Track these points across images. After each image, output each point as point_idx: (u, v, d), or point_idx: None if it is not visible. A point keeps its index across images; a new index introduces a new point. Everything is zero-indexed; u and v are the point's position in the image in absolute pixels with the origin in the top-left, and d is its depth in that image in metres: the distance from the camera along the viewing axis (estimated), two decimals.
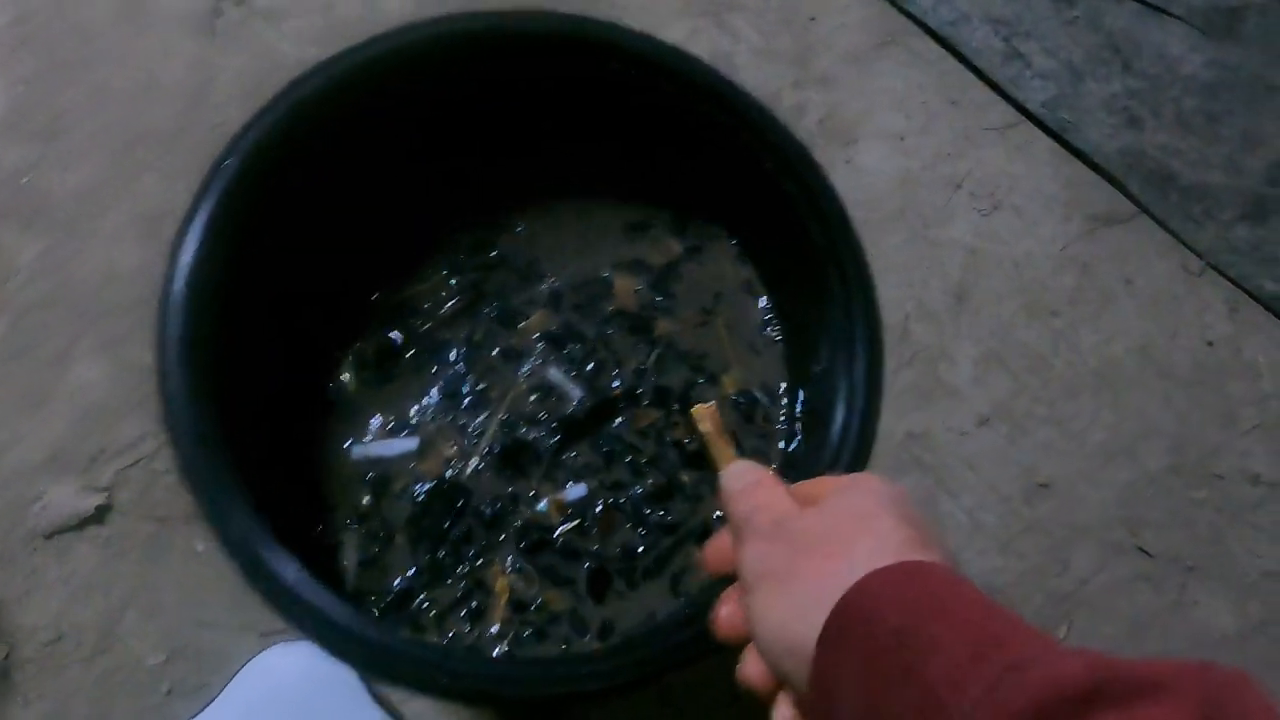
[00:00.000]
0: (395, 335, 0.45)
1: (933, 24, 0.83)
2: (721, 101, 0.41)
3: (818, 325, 0.44)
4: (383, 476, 0.44)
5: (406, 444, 0.45)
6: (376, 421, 0.45)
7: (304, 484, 0.44)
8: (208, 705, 0.44)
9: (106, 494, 0.63)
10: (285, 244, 0.43)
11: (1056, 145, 0.83)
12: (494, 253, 0.48)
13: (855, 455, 0.40)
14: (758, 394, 0.48)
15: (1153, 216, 0.83)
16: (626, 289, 0.48)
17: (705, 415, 0.40)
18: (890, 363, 0.75)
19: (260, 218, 0.40)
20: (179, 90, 0.72)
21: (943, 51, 0.83)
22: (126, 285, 0.67)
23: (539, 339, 0.47)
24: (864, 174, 0.79)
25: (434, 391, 0.46)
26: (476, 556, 0.44)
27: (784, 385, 0.49)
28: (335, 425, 0.45)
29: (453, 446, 0.46)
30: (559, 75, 0.44)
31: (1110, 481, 0.75)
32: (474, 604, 0.44)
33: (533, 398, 0.47)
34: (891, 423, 0.74)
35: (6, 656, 0.60)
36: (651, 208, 0.49)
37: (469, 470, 0.46)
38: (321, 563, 0.42)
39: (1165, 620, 0.73)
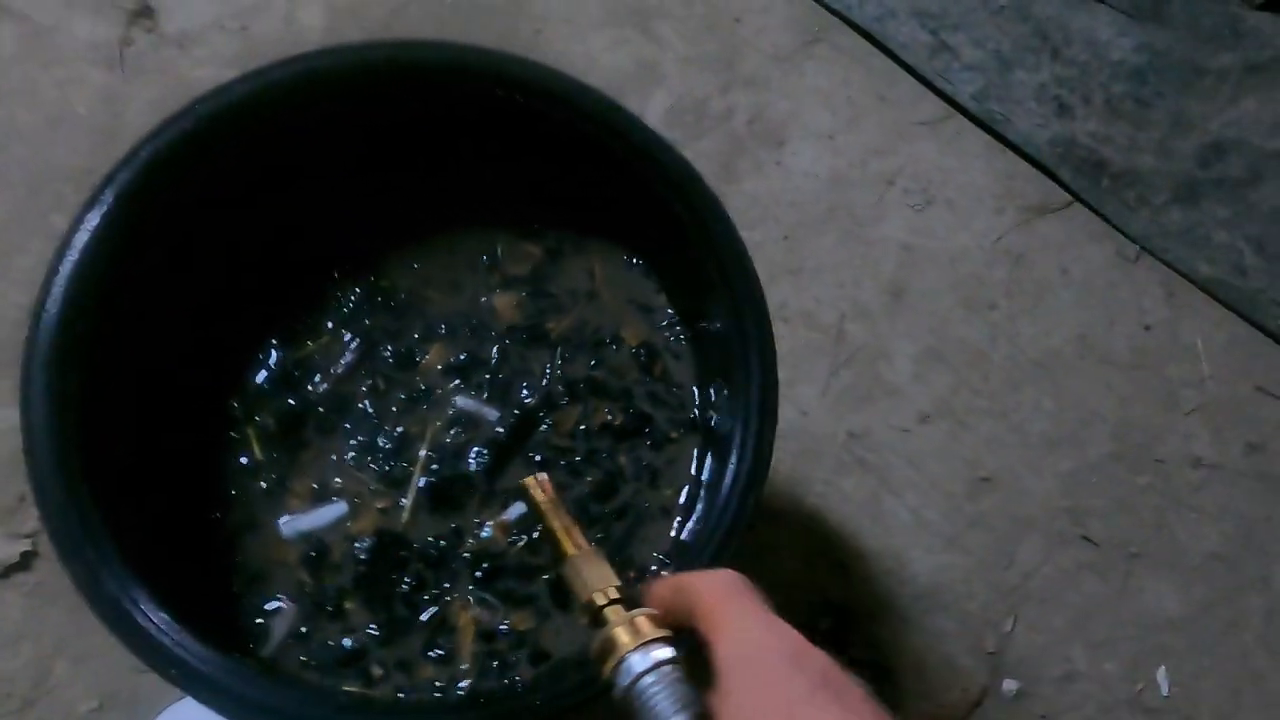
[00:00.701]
0: (292, 401, 0.45)
1: (859, 19, 0.83)
2: (607, 125, 0.41)
3: (710, 332, 0.44)
4: (319, 547, 0.44)
5: (335, 509, 0.45)
6: (294, 495, 0.45)
7: (217, 568, 0.44)
8: None
9: (31, 540, 0.63)
10: (157, 297, 0.43)
11: (988, 137, 0.84)
12: (377, 298, 0.48)
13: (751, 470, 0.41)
14: (659, 346, 0.49)
15: (1086, 204, 0.84)
16: (507, 305, 0.49)
17: (535, 485, 0.40)
18: (827, 364, 0.76)
19: (135, 259, 0.40)
20: (89, 123, 0.72)
21: (870, 47, 0.84)
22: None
23: (442, 372, 0.47)
24: (794, 175, 0.79)
25: (349, 449, 0.45)
26: (433, 601, 0.45)
27: (684, 339, 0.49)
28: (250, 504, 0.44)
29: (383, 500, 0.46)
30: (453, 104, 0.44)
31: (1053, 471, 0.76)
32: (440, 648, 0.44)
33: (451, 431, 0.47)
34: (832, 424, 0.75)
35: None
36: (548, 231, 0.49)
37: (405, 518, 0.46)
38: (239, 640, 0.42)
39: (1112, 607, 0.74)
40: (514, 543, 0.46)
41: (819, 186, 0.80)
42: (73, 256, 0.38)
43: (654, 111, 0.79)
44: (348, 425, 0.46)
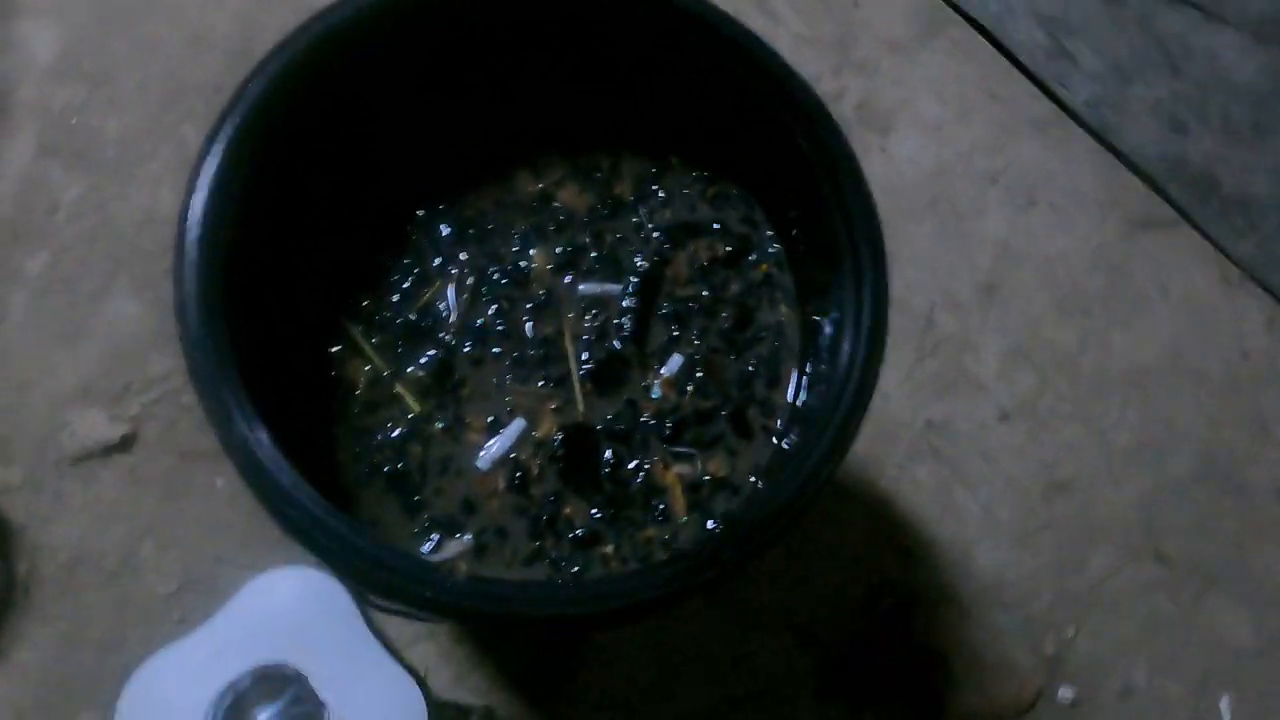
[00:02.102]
0: (433, 350, 0.48)
1: (978, 15, 0.84)
2: (735, 48, 0.44)
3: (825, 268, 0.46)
4: (516, 467, 0.47)
5: (516, 426, 0.47)
6: (472, 430, 0.47)
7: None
8: (202, 626, 0.47)
9: (133, 425, 0.67)
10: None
11: (1097, 145, 0.84)
12: (468, 230, 0.50)
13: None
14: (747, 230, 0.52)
15: (1192, 223, 0.84)
16: (573, 195, 0.52)
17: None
18: (912, 352, 0.77)
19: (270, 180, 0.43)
20: (224, 44, 0.76)
21: (986, 44, 0.85)
22: (164, 229, 0.71)
23: (553, 272, 0.50)
24: (898, 162, 0.81)
25: (504, 371, 0.48)
26: (635, 470, 0.48)
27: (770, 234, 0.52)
28: (429, 453, 0.47)
29: (553, 401, 0.48)
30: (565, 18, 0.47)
31: (1133, 485, 0.76)
32: (657, 508, 0.47)
33: (586, 318, 0.50)
34: (911, 411, 0.76)
35: (28, 574, 0.64)
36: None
37: (580, 409, 0.48)
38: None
39: (1180, 629, 0.74)
40: (683, 393, 0.49)
41: (922, 176, 0.81)
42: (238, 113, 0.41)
43: None
44: (494, 351, 0.48)
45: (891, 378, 0.76)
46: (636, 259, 0.50)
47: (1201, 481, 0.77)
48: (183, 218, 0.41)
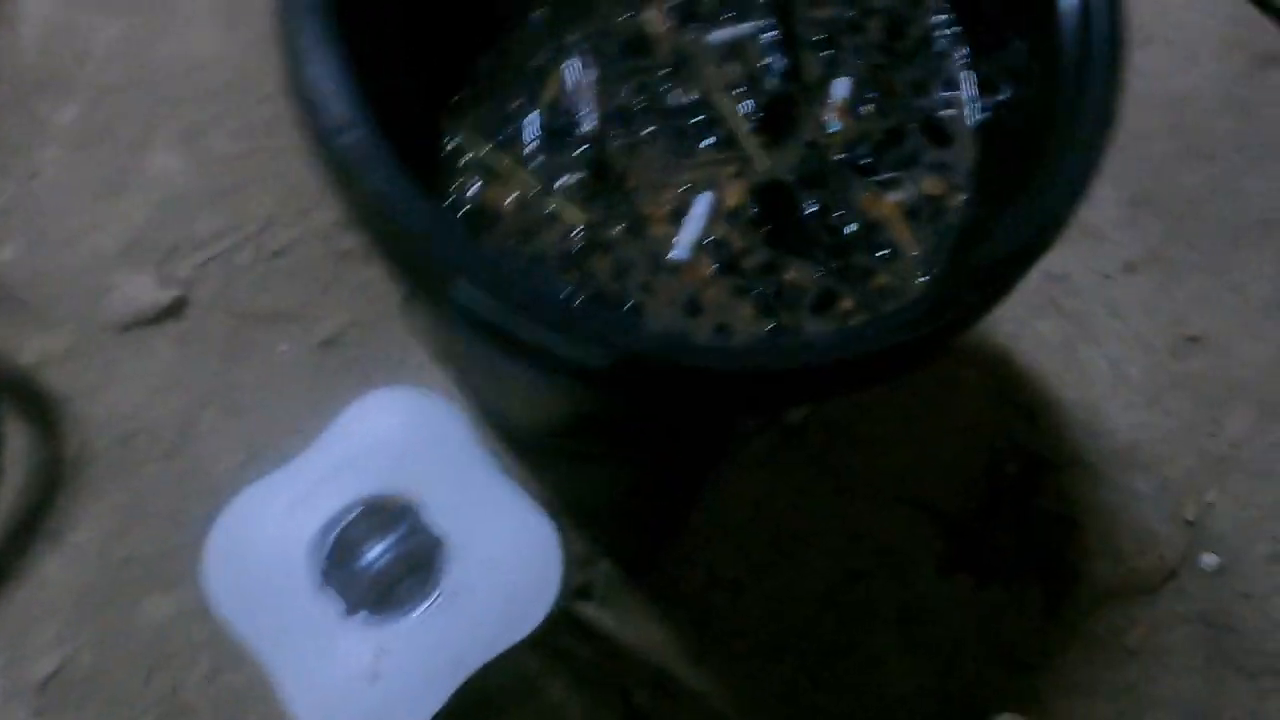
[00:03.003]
0: (582, 147, 0.42)
1: None
2: None
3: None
4: (719, 246, 0.41)
5: (702, 203, 0.42)
6: (655, 222, 0.41)
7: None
8: (298, 457, 0.41)
9: (184, 288, 0.61)
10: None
11: None
12: (563, 11, 0.44)
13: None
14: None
15: None
16: None
17: None
18: None
19: None
20: None
21: None
22: (207, 73, 0.64)
23: (674, 29, 0.44)
24: None
25: (666, 151, 0.42)
26: (845, 215, 0.43)
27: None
28: (616, 263, 0.41)
29: (730, 166, 0.42)
30: None
31: (1271, 339, 0.70)
32: (883, 246, 0.42)
33: (729, 68, 0.44)
34: None
35: (79, 450, 0.58)
36: None
37: (763, 164, 0.43)
38: None
39: None
40: (862, 117, 0.44)
41: None
42: None
43: None
44: (645, 133, 0.42)
45: None
46: None
47: None
48: None
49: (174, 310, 0.61)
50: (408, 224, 0.28)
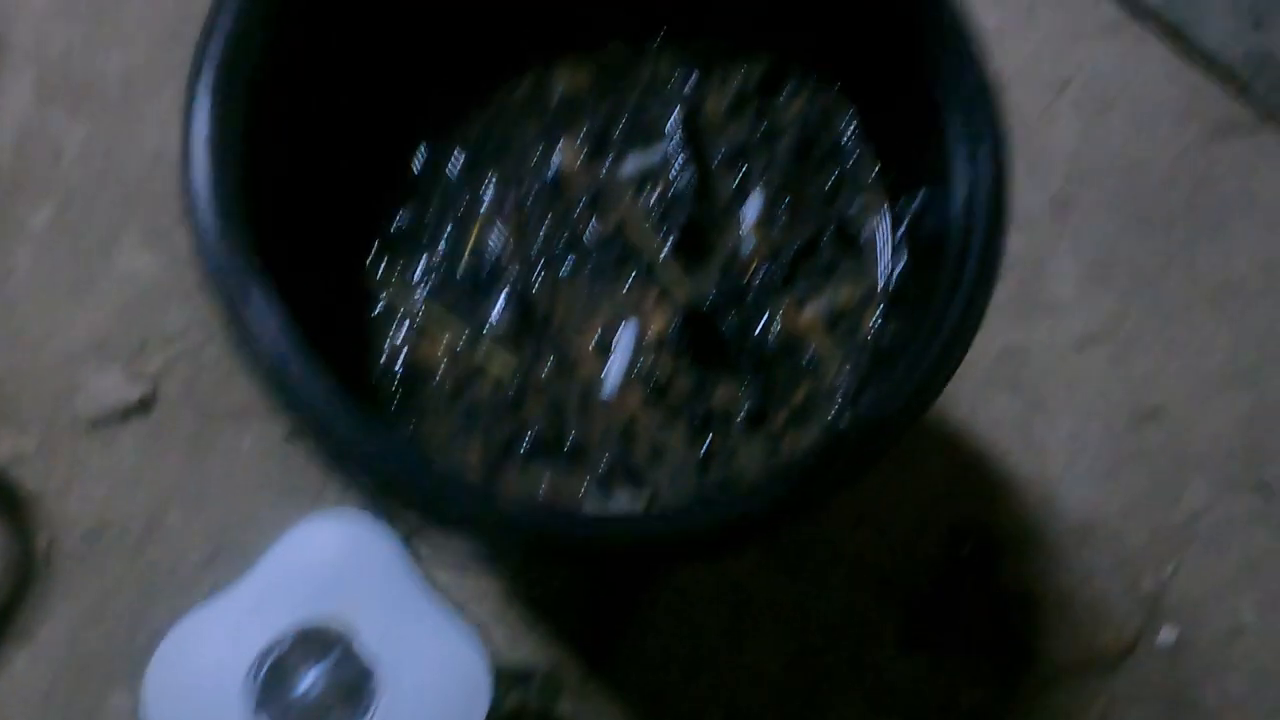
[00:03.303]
0: (504, 298, 0.43)
1: None
2: None
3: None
4: (648, 375, 0.43)
5: (628, 334, 0.43)
6: (582, 363, 0.43)
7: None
8: (235, 584, 0.42)
9: (152, 384, 0.62)
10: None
11: (1175, 46, 0.78)
12: (481, 151, 0.45)
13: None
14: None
15: None
16: (567, 75, 0.46)
17: None
18: None
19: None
20: None
21: None
22: (174, 171, 0.66)
23: (586, 162, 0.45)
24: None
25: (589, 282, 0.44)
26: (767, 328, 0.44)
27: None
28: (550, 394, 0.43)
29: (650, 291, 0.44)
30: None
31: (1228, 409, 0.71)
32: (806, 363, 0.44)
33: (642, 196, 0.45)
34: (983, 339, 0.69)
35: (48, 547, 0.60)
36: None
37: (686, 291, 0.44)
38: None
39: None
40: (776, 231, 0.45)
41: None
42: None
43: None
44: (566, 270, 0.43)
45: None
46: (666, 114, 0.46)
47: None
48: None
49: (142, 406, 0.62)
50: (311, 411, 0.30)
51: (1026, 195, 0.73)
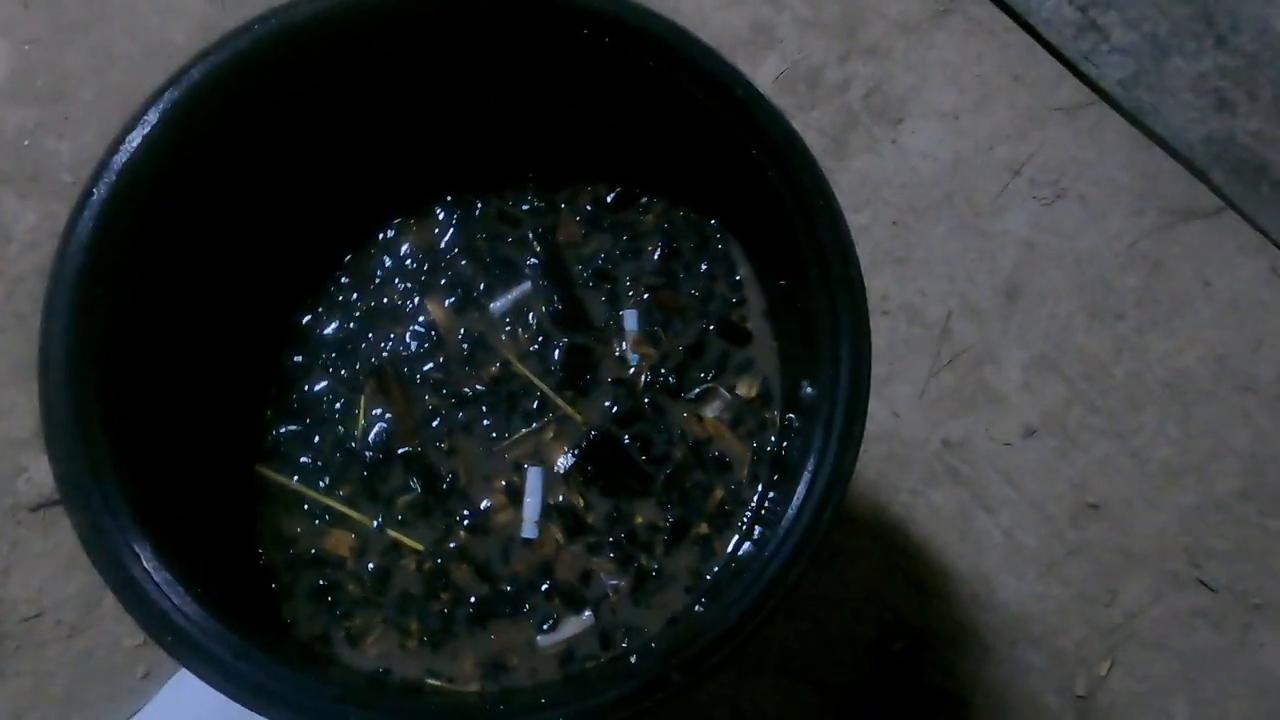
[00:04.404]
0: (404, 469, 0.43)
1: None
2: (701, 75, 0.38)
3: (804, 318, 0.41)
4: (561, 512, 0.44)
5: (534, 478, 0.44)
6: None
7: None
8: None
9: None
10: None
11: (1133, 129, 0.77)
12: (352, 320, 0.45)
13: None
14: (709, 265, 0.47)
15: (1239, 211, 0.77)
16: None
17: None
18: (927, 364, 0.71)
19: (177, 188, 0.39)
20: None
21: (1008, 21, 0.78)
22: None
23: (455, 313, 0.45)
24: (911, 156, 0.75)
25: (485, 438, 0.44)
26: (670, 440, 0.45)
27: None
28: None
29: (547, 432, 0.44)
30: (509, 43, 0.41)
31: (1172, 505, 0.70)
32: (718, 461, 0.44)
33: (520, 334, 0.45)
34: (926, 429, 0.70)
35: None
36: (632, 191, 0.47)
37: (577, 420, 0.44)
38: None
39: (1226, 662, 0.68)
40: (658, 341, 0.46)
41: (937, 170, 0.75)
42: (109, 179, 0.37)
43: (764, 77, 0.75)
44: (461, 426, 0.44)
45: (904, 393, 0.71)
46: (525, 245, 0.46)
47: (1248, 500, 0.71)
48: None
49: None
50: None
51: (976, 283, 0.73)
